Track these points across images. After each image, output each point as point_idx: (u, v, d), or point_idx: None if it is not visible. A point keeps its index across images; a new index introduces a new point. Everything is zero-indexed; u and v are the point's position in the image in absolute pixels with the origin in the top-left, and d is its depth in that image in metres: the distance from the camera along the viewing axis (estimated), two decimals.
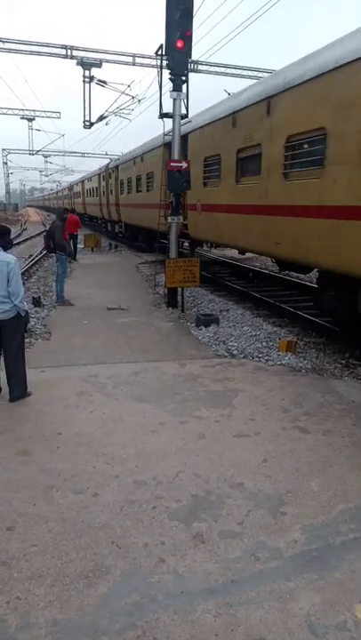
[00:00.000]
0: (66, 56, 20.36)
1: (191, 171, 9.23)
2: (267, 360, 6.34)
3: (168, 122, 9.55)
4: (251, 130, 8.23)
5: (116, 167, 21.92)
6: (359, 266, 5.72)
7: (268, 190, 7.77)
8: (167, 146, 14.15)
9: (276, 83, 7.39)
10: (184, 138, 10.86)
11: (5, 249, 4.86)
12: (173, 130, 9.14)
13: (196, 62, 21.20)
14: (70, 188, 42.83)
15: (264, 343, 7.00)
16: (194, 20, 8.35)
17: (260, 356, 6.50)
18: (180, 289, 9.28)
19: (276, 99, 7.34)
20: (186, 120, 10.77)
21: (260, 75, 20.94)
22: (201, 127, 10.73)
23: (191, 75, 9.64)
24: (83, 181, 34.17)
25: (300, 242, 6.96)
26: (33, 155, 45.31)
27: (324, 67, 6.12)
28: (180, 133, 9.22)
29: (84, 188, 33.62)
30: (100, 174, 26.44)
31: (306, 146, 6.86)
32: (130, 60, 21.03)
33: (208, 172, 10.52)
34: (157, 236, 12.54)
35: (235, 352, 6.68)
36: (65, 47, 20.24)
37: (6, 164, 56.63)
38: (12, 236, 5.26)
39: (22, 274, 10.47)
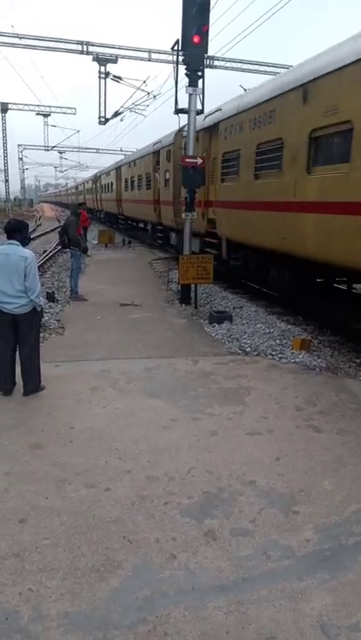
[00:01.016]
0: (82, 52, 20.44)
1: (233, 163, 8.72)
2: (280, 358, 6.30)
3: (183, 117, 9.52)
4: (335, 101, 6.07)
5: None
6: None
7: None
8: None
9: None
10: (210, 129, 10.71)
11: (23, 244, 4.90)
12: (189, 125, 9.09)
13: (213, 58, 21.10)
14: (95, 179, 35.55)
15: (278, 341, 6.95)
16: (210, 15, 8.31)
17: (274, 353, 6.46)
18: (193, 286, 9.26)
19: None
20: (214, 109, 10.71)
21: (276, 70, 20.77)
22: (246, 110, 8.74)
23: (207, 70, 9.58)
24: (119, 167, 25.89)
25: None
26: (48, 150, 45.58)
27: None
28: (195, 129, 9.17)
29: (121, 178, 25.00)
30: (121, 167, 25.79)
31: None
32: (145, 55, 21.05)
33: (261, 161, 8.28)
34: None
35: (248, 349, 6.65)
36: (81, 43, 20.32)
37: (21, 159, 57.04)
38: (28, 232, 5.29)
39: (37, 269, 10.56)
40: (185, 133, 10.58)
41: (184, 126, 10.89)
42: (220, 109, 10.46)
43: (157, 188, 16.38)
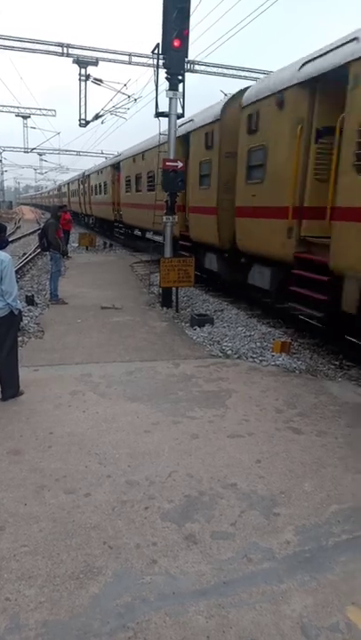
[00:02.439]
0: (62, 54, 20.31)
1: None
2: (261, 360, 6.34)
3: (164, 122, 9.48)
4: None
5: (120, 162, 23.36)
6: None
7: None
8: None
9: None
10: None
11: (0, 247, 4.82)
12: (169, 129, 9.10)
13: (193, 62, 21.20)
14: (83, 179, 30.81)
15: (258, 343, 7.00)
16: (191, 19, 8.34)
17: (255, 356, 6.50)
18: (174, 289, 9.26)
19: None
20: (186, 119, 10.42)
21: (256, 76, 20.98)
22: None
23: (187, 75, 9.58)
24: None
25: None
26: (28, 153, 45.07)
27: None
28: (175, 133, 9.18)
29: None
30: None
31: None
32: (126, 58, 21.01)
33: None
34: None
35: (229, 352, 6.67)
36: (61, 45, 20.18)
37: (1, 161, 56.33)
38: (6, 234, 5.21)
39: (16, 272, 10.38)
40: (246, 102, 7.93)
41: (239, 92, 8.55)
42: (192, 120, 10.83)
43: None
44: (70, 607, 2.38)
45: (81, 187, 31.92)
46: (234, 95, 9.04)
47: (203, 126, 9.99)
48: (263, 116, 7.55)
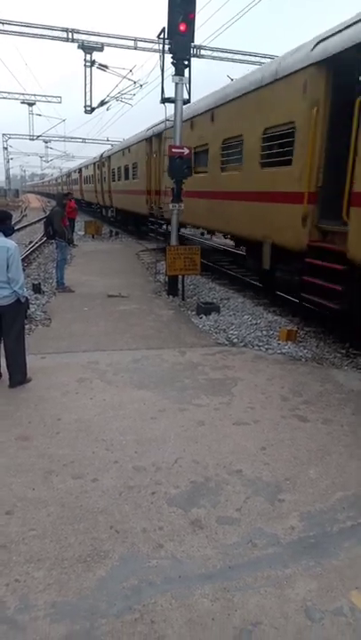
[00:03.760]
0: (67, 39, 20.10)
1: None
2: (267, 349, 6.34)
3: (170, 107, 9.37)
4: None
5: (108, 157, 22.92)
6: None
7: None
8: (149, 140, 14.74)
9: None
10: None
11: (6, 235, 4.83)
12: (175, 114, 9.01)
13: (199, 47, 20.91)
14: (101, 161, 24.72)
15: (264, 332, 7.00)
16: (197, 3, 8.20)
17: (261, 344, 6.50)
18: (180, 277, 9.25)
19: None
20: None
21: (263, 60, 20.68)
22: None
23: (193, 60, 9.45)
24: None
25: None
26: (33, 140, 44.87)
27: None
28: (182, 118, 9.09)
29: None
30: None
31: None
32: (131, 43, 20.77)
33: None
34: None
35: (235, 340, 6.67)
36: (66, 30, 19.97)
37: (6, 149, 56.13)
38: (12, 222, 5.22)
39: (22, 260, 10.39)
40: None
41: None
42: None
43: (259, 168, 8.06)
44: (78, 589, 2.43)
45: (97, 172, 25.97)
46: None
47: None
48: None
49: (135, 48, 20.83)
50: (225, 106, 9.40)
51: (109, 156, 23.18)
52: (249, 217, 8.52)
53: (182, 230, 13.65)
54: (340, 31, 6.06)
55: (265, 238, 7.90)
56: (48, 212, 12.00)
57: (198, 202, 10.97)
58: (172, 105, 9.06)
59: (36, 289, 9.32)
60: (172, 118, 9.13)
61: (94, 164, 27.26)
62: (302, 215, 6.61)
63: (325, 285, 6.20)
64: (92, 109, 23.58)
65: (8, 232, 4.91)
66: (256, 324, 7.39)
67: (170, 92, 9.11)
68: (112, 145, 31.74)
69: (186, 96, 8.99)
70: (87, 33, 20.44)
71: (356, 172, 5.64)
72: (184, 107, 9.23)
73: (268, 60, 19.30)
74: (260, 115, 7.87)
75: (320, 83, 6.28)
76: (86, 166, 31.55)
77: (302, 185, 6.58)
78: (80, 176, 34.56)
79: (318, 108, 6.26)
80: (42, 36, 19.82)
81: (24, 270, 8.82)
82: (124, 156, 19.81)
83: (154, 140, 14.77)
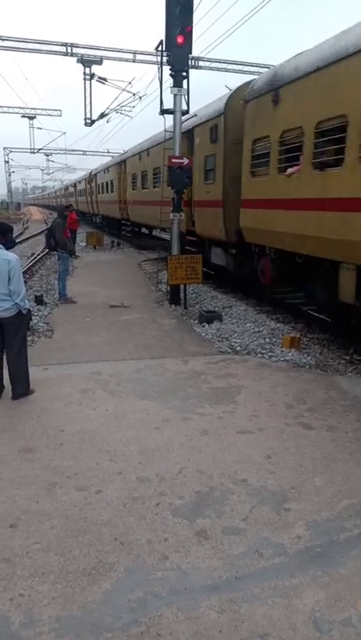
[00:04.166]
0: (66, 53, 20.36)
1: None
2: (270, 356, 6.32)
3: (169, 118, 9.49)
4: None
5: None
6: None
7: None
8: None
9: None
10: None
11: (7, 247, 4.86)
12: (174, 126, 9.09)
13: (197, 58, 21.14)
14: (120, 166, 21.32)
15: (267, 339, 6.98)
16: (194, 15, 8.32)
17: (264, 352, 6.48)
18: (182, 286, 9.26)
19: None
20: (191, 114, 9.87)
21: (260, 70, 20.88)
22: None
23: (192, 71, 9.55)
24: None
25: None
26: (34, 153, 45.26)
27: None
28: (180, 129, 9.17)
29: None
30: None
31: None
32: (130, 56, 21.01)
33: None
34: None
35: (238, 348, 6.66)
36: (65, 45, 20.23)
37: (8, 162, 56.60)
38: (14, 235, 5.25)
39: (24, 272, 10.46)
40: None
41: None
42: (195, 115, 10.63)
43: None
44: (83, 603, 2.40)
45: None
46: None
47: None
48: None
49: (134, 60, 21.08)
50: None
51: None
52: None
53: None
54: None
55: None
56: (50, 224, 12.05)
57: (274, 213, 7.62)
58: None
59: (39, 300, 9.34)
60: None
61: (85, 179, 32.09)
62: None
63: None
64: (92, 122, 23.81)
65: (9, 245, 4.94)
66: (259, 331, 7.38)
67: (169, 104, 9.20)
68: (112, 156, 32.29)
69: (185, 107, 9.07)
70: (86, 47, 20.72)
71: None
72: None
73: (265, 69, 19.47)
74: None
75: None
76: (80, 181, 36.63)
77: None
78: (75, 189, 39.63)
79: None
80: (41, 51, 20.09)
81: (26, 282, 8.88)
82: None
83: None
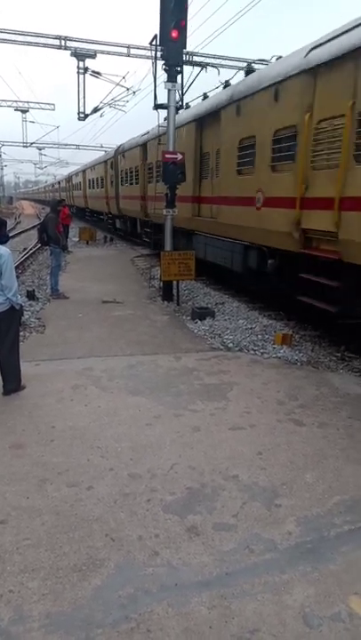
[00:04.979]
0: (60, 47, 20.14)
1: None
2: (262, 353, 6.33)
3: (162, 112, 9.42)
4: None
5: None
6: None
7: None
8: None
9: None
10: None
11: (0, 242, 4.81)
12: (168, 120, 9.05)
13: (192, 53, 21.01)
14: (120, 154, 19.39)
15: (260, 336, 6.99)
16: (188, 10, 8.26)
17: (256, 349, 6.49)
18: (175, 282, 9.25)
19: None
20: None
21: (254, 66, 20.80)
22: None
23: (188, 66, 9.51)
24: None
25: None
26: (27, 147, 44.85)
27: None
28: (175, 124, 9.13)
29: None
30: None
31: None
32: (124, 50, 20.83)
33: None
34: None
35: (230, 345, 6.66)
36: (59, 38, 20.01)
37: (0, 156, 56.07)
38: (7, 229, 5.20)
39: (17, 267, 10.37)
40: None
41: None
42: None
43: None
44: (73, 599, 2.39)
45: (110, 172, 21.79)
46: None
47: None
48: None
49: (128, 55, 20.91)
50: None
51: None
52: None
53: None
54: None
55: None
56: (42, 219, 11.98)
57: None
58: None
59: (31, 296, 9.28)
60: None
61: (110, 159, 26.18)
62: None
63: None
64: (86, 116, 23.60)
65: (2, 239, 4.90)
66: (251, 328, 7.39)
67: (163, 99, 9.15)
68: (105, 151, 32.05)
69: (178, 102, 9.02)
70: (80, 40, 20.49)
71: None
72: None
73: (261, 65, 19.41)
74: None
75: None
76: (93, 167, 34.48)
77: None
78: (86, 179, 39.09)
79: None
80: (35, 44, 19.87)
81: (18, 277, 8.81)
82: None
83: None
